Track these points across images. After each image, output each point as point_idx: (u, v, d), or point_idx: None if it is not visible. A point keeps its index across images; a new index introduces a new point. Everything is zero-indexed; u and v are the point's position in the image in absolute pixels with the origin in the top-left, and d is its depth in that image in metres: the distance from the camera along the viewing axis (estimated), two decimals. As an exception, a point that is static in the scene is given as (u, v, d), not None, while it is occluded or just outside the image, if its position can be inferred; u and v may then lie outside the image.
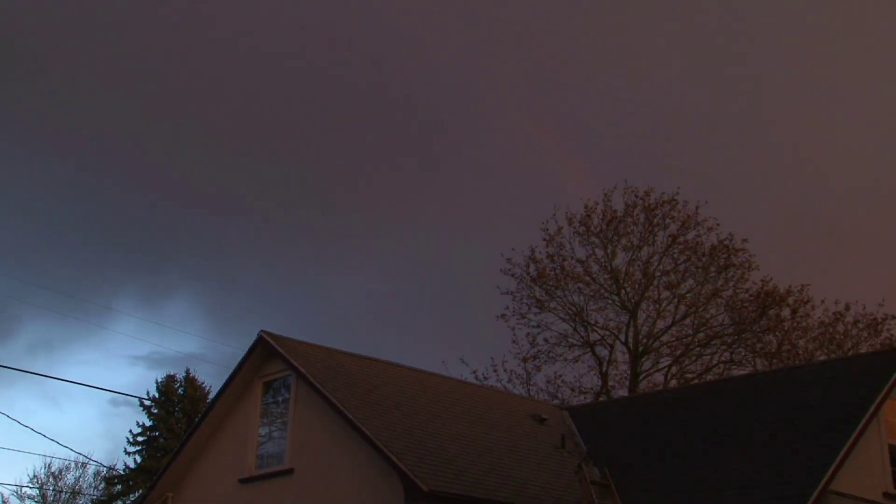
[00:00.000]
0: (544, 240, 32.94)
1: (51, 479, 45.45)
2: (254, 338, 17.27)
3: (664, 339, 33.09)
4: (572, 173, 37.26)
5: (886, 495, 15.54)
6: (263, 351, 17.27)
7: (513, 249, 32.96)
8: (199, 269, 60.70)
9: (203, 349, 72.90)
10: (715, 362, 32.63)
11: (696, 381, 31.69)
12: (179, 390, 44.86)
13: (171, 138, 51.73)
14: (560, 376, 32.99)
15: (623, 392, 32.28)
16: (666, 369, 33.19)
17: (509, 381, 32.76)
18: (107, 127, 52.60)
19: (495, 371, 32.80)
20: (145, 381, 72.61)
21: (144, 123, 51.55)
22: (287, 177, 51.56)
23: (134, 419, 60.33)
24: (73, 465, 46.63)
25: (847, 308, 32.21)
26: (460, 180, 48.63)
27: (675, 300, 32.41)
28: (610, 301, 32.89)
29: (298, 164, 52.14)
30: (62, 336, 64.79)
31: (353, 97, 49.68)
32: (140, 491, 38.55)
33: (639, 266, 32.51)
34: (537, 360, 33.01)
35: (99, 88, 52.19)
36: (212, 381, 43.87)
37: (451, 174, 48.80)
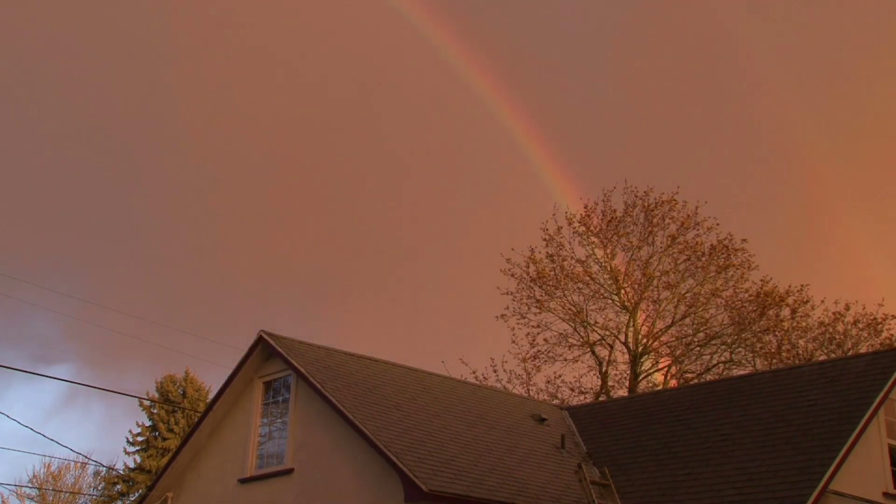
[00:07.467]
0: (544, 240, 32.99)
1: (50, 479, 45.45)
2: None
3: (664, 338, 33.15)
4: (572, 173, 37.25)
5: (886, 495, 15.56)
6: (263, 351, 17.28)
7: (512, 249, 33.04)
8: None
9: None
10: (715, 362, 32.66)
11: (696, 381, 31.70)
12: (179, 390, 44.94)
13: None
14: (560, 376, 33.07)
15: (623, 392, 32.28)
16: (666, 369, 33.23)
17: (509, 381, 32.82)
18: None
19: (495, 371, 32.88)
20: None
21: None
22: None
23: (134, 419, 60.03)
24: (72, 465, 46.66)
25: (847, 308, 32.25)
26: (460, 179, 48.65)
27: (675, 300, 32.44)
28: (610, 301, 32.95)
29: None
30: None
31: (355, 97, 49.65)
32: (140, 491, 38.62)
33: (638, 266, 32.55)
34: (537, 361, 33.06)
35: None
36: None
37: (451, 173, 48.81)
